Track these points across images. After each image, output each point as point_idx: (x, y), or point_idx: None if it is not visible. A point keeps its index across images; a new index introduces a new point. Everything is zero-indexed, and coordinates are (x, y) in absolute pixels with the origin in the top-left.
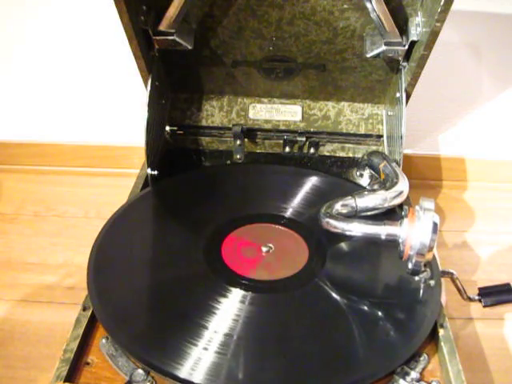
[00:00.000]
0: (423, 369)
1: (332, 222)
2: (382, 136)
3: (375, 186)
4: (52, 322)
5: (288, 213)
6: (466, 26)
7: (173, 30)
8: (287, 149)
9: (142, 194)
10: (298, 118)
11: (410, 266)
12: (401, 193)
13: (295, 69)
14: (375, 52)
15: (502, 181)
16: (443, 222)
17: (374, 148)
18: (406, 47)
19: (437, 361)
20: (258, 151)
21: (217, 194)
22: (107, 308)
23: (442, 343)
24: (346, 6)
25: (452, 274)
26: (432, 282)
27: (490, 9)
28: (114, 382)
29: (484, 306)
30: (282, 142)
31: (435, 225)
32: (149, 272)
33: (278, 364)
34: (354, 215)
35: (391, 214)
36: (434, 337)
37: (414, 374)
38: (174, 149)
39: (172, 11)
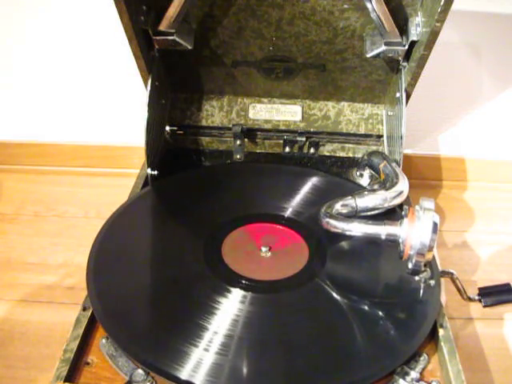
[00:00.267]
0: (423, 369)
1: (332, 221)
2: (382, 136)
3: (375, 186)
4: (52, 322)
5: (288, 213)
6: (465, 26)
7: (173, 30)
8: (287, 149)
9: (141, 193)
10: (298, 118)
11: (410, 265)
12: (401, 193)
13: (295, 69)
14: (375, 52)
15: (502, 181)
16: (443, 222)
17: (374, 148)
18: (406, 47)
19: (437, 361)
20: (258, 151)
21: (217, 193)
22: (107, 308)
23: (442, 343)
24: (346, 6)
25: (452, 273)
26: (432, 282)
27: (490, 9)
28: (114, 382)
29: (484, 306)
30: (282, 142)
31: (435, 224)
32: (149, 272)
33: (278, 364)
34: (354, 215)
35: (391, 214)
36: (433, 337)
37: (413, 374)
38: (173, 149)
39: (172, 11)
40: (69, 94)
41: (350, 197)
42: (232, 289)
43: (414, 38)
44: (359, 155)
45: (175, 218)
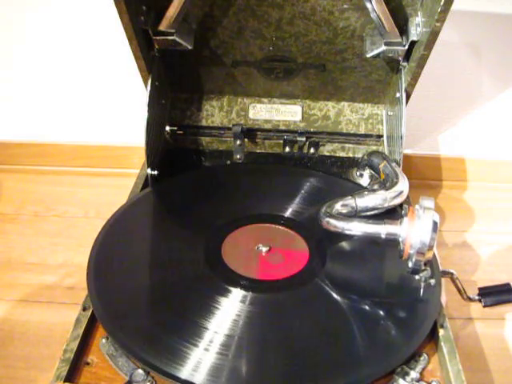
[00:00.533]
0: (423, 369)
1: (332, 221)
2: (382, 136)
3: (375, 186)
4: (52, 322)
5: (288, 213)
6: (465, 26)
7: (173, 30)
8: (287, 149)
9: (142, 193)
10: (298, 118)
11: (410, 264)
12: (401, 193)
13: (295, 69)
14: (375, 52)
15: (502, 181)
16: (443, 222)
17: (374, 148)
18: (406, 47)
19: (437, 361)
20: (258, 151)
21: (217, 194)
22: (107, 308)
23: (442, 343)
24: (345, 6)
25: (452, 273)
26: (432, 281)
27: (490, 9)
28: (114, 382)
29: (484, 306)
30: (282, 141)
31: (435, 223)
32: (149, 272)
33: (278, 364)
34: (354, 215)
35: (391, 214)
36: (433, 337)
37: (413, 374)
38: (173, 149)
39: (172, 11)
40: (69, 93)
41: (349, 197)
42: (232, 289)
43: (414, 38)
44: (359, 155)
45: (175, 218)
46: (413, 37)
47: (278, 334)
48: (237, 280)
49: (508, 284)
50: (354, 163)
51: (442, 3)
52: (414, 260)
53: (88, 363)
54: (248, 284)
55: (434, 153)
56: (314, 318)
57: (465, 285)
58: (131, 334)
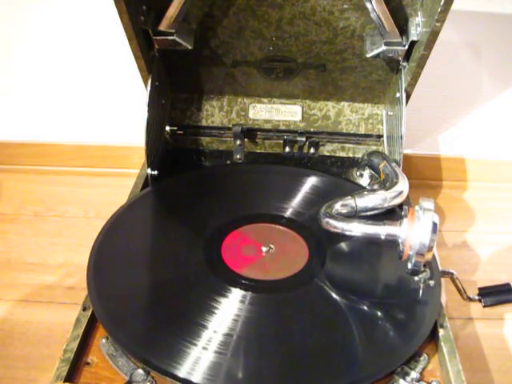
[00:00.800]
0: (423, 369)
1: (332, 221)
2: (382, 136)
3: (375, 186)
4: (52, 322)
5: (288, 213)
6: (466, 25)
7: (173, 30)
8: (287, 149)
9: (142, 193)
10: (298, 118)
11: (409, 266)
12: (401, 193)
13: (295, 69)
14: (375, 52)
15: (502, 181)
16: (443, 222)
17: (374, 148)
18: (406, 47)
19: (437, 361)
20: (258, 151)
21: (217, 193)
22: (107, 308)
23: (442, 343)
24: (345, 6)
25: (452, 274)
26: (432, 282)
27: (490, 9)
28: (114, 382)
29: (484, 306)
30: (282, 142)
31: (435, 225)
32: (149, 272)
33: (277, 364)
34: (354, 215)
35: (391, 214)
36: (433, 337)
37: (413, 374)
38: (173, 149)
39: (172, 11)
40: (69, 93)
41: (349, 197)
42: (232, 289)
43: (414, 38)
44: (359, 155)
45: (175, 218)
46: (413, 37)
47: (278, 333)
48: (236, 280)
49: (508, 284)
50: (354, 163)
51: (441, 3)
52: (413, 261)
53: (88, 363)
54: (248, 284)
55: (433, 153)
56: (313, 318)
57: (465, 285)
58: (131, 334)
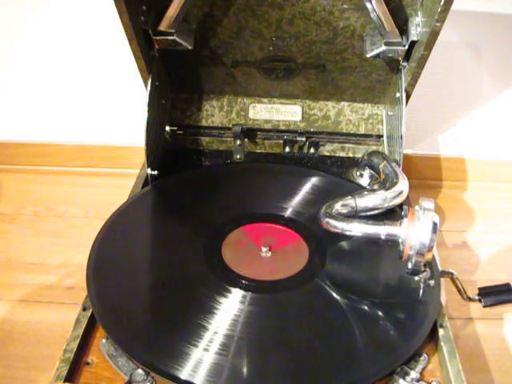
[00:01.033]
0: (423, 369)
1: (332, 221)
2: (382, 136)
3: (375, 186)
4: (52, 322)
5: (288, 212)
6: (465, 26)
7: (173, 30)
8: (287, 149)
9: (141, 193)
10: (298, 118)
11: (409, 265)
12: (401, 193)
13: (295, 69)
14: (375, 52)
15: (502, 181)
16: (443, 222)
17: (374, 148)
18: (406, 47)
19: (437, 361)
20: (258, 151)
21: (217, 193)
22: (107, 308)
23: (442, 343)
24: (345, 6)
25: (452, 273)
26: (432, 282)
27: (490, 9)
28: (113, 382)
29: (484, 306)
30: (282, 142)
31: (435, 225)
32: (149, 272)
33: (277, 364)
34: (354, 215)
35: (391, 214)
36: (433, 337)
37: (413, 374)
38: (173, 149)
39: (172, 11)
40: (69, 93)
41: (349, 197)
42: (232, 289)
43: (414, 38)
44: (359, 155)
45: (175, 217)
46: (413, 37)
47: (278, 334)
48: (237, 280)
49: (508, 284)
50: (354, 163)
51: (441, 3)
52: (413, 261)
53: (88, 363)
54: (248, 284)
55: (433, 153)
56: (313, 318)
57: (465, 285)
58: (131, 334)
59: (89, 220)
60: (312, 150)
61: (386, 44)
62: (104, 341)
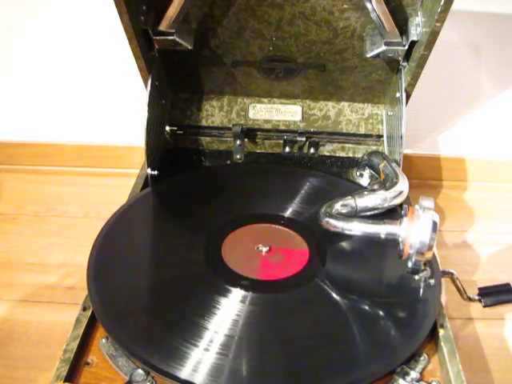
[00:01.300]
0: (423, 369)
1: (332, 221)
2: (382, 136)
3: (375, 186)
4: (52, 322)
5: (288, 213)
6: (465, 26)
7: (173, 30)
8: (287, 149)
9: (142, 194)
10: (298, 118)
11: (409, 264)
12: (401, 193)
13: (295, 69)
14: (375, 52)
15: (502, 181)
16: (443, 222)
17: (374, 148)
18: (406, 47)
19: (437, 361)
20: (258, 151)
21: (217, 194)
22: (107, 308)
23: (442, 343)
24: (345, 6)
25: (452, 273)
26: (432, 281)
27: (490, 9)
28: (114, 382)
29: (484, 306)
30: (282, 142)
31: (435, 223)
32: (149, 272)
33: (278, 364)
34: (354, 215)
35: (391, 214)
36: (433, 337)
37: (413, 374)
38: (173, 149)
39: (172, 11)
40: (69, 93)
41: (349, 197)
42: (232, 289)
43: (414, 38)
44: (359, 155)
45: (175, 218)
46: (413, 37)
47: (278, 333)
48: (237, 280)
49: (508, 284)
50: (354, 163)
51: (441, 3)
52: (413, 260)
53: (88, 363)
54: (248, 284)
55: (434, 153)
56: (313, 318)
57: (465, 285)
58: (131, 334)
59: (89, 220)
60: (312, 150)
61: (386, 44)
62: (104, 341)
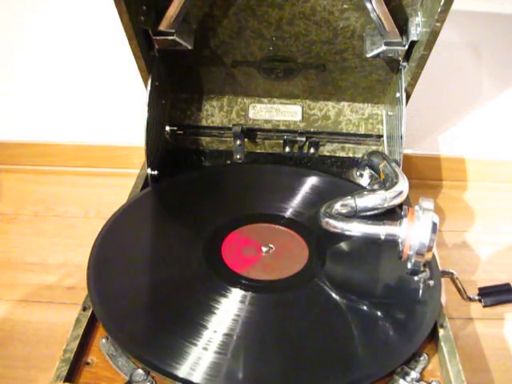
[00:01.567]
0: (423, 369)
1: (331, 221)
2: (382, 136)
3: (375, 186)
4: (52, 322)
5: (288, 213)
6: (465, 26)
7: (173, 30)
8: (287, 149)
9: (141, 193)
10: (298, 118)
11: (409, 265)
12: (400, 193)
13: (295, 69)
14: (375, 52)
15: (502, 181)
16: (443, 222)
17: (374, 148)
18: (406, 47)
19: (437, 361)
20: (258, 151)
21: (217, 193)
22: (107, 308)
23: (442, 343)
24: (345, 6)
25: (452, 273)
26: (431, 282)
27: (490, 9)
28: (113, 382)
29: (484, 306)
30: (282, 142)
31: (434, 225)
32: (149, 272)
33: (277, 364)
34: (354, 215)
35: (391, 214)
36: (433, 337)
37: (413, 374)
38: (173, 149)
39: (172, 11)
40: (69, 93)
41: (349, 197)
42: (232, 289)
43: (414, 38)
44: (359, 155)
45: (175, 218)
46: (413, 37)
47: (278, 333)
48: (237, 280)
49: (508, 284)
50: (354, 163)
51: (441, 3)
52: (413, 261)
53: (88, 363)
54: (248, 284)
55: (433, 153)
56: (313, 318)
57: (465, 285)
58: (131, 334)
59: (89, 220)
60: (312, 150)
61: (386, 44)
62: (104, 341)
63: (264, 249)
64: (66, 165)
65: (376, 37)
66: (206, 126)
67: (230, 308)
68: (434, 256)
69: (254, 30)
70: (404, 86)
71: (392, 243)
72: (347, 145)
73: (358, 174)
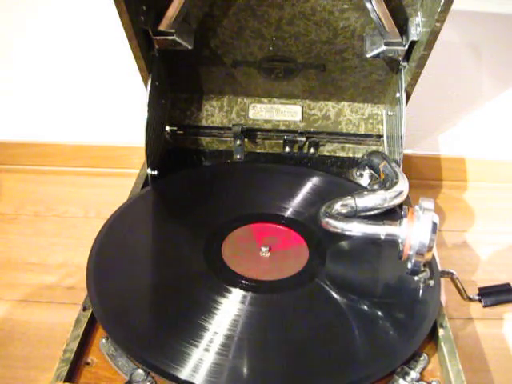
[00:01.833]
0: (423, 369)
1: (331, 221)
2: (382, 136)
3: (375, 186)
4: (52, 322)
5: (288, 212)
6: (465, 26)
7: (173, 30)
8: (287, 149)
9: (141, 193)
10: (298, 118)
11: (409, 265)
12: (400, 193)
13: (295, 69)
14: (375, 52)
15: (502, 181)
16: (443, 222)
17: (374, 148)
18: (406, 47)
19: (437, 361)
20: (258, 151)
21: (217, 193)
22: (107, 308)
23: (442, 343)
24: (345, 6)
25: (452, 273)
26: (431, 282)
27: (490, 9)
28: (113, 382)
29: (484, 306)
30: (282, 142)
31: (434, 225)
32: (149, 272)
33: (277, 364)
34: (354, 215)
35: (391, 214)
36: (433, 337)
37: (413, 374)
38: (173, 149)
39: (172, 11)
40: (69, 93)
41: (349, 197)
42: (232, 289)
43: (414, 38)
44: (359, 155)
45: (175, 217)
46: (413, 37)
47: (278, 334)
48: (237, 280)
49: (508, 284)
50: (354, 163)
51: (441, 3)
52: (413, 261)
53: (88, 363)
54: (248, 284)
55: (433, 153)
56: (313, 318)
57: (465, 285)
58: (131, 334)
59: (89, 220)
60: (312, 150)
61: (386, 44)
62: (104, 341)
63: (264, 249)
64: (66, 165)
65: (376, 37)
66: (206, 126)
67: (230, 308)
68: (433, 256)
69: (253, 30)
70: (404, 86)
71: (392, 243)
72: (347, 145)
73: (357, 173)
